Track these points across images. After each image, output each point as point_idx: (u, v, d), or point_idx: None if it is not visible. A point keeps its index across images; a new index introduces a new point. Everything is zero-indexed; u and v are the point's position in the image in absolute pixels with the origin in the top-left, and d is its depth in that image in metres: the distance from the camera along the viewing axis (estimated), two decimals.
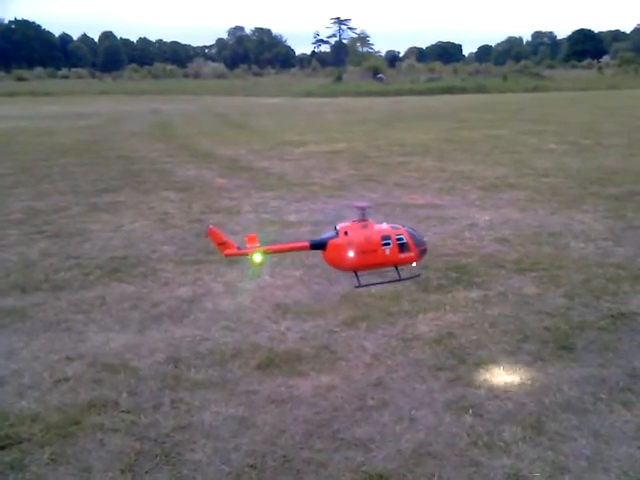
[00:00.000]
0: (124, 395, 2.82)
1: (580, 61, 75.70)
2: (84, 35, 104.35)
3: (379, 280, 3.60)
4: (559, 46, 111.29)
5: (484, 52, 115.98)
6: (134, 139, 14.32)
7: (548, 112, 20.34)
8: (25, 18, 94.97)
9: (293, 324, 3.63)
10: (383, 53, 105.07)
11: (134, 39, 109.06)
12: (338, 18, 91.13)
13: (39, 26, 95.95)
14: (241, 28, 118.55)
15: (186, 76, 78.34)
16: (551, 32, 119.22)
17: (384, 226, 3.54)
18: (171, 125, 18.47)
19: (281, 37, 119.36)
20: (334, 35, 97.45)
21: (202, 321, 3.70)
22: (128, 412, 2.68)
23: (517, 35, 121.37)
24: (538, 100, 28.31)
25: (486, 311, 3.75)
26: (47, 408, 2.71)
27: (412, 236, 3.56)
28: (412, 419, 2.60)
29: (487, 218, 6.23)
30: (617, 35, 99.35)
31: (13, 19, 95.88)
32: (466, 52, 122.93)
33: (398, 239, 3.37)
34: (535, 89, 38.42)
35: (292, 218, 6.41)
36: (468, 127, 15.92)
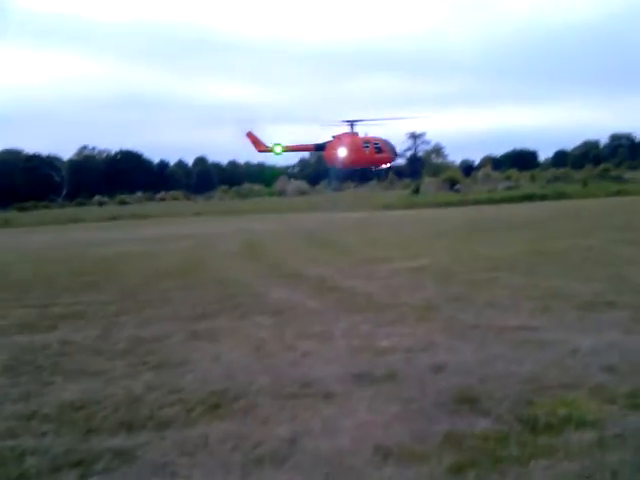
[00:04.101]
0: None
1: None
2: (180, 161, 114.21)
3: None
4: (638, 148, 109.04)
5: (560, 157, 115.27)
6: (226, 260, 15.12)
7: (636, 218, 19.63)
8: (129, 149, 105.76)
9: (396, 471, 3.53)
10: (458, 162, 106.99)
11: (225, 161, 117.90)
12: (413, 133, 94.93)
13: (141, 155, 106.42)
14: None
15: (271, 194, 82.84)
16: (629, 134, 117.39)
17: (367, 136, 4.70)
18: (260, 244, 19.40)
19: None
20: (409, 149, 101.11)
21: (303, 466, 3.68)
22: None
23: (594, 139, 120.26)
24: (623, 205, 27.51)
25: (605, 457, 3.50)
26: None
27: (386, 143, 4.63)
28: None
29: (589, 342, 5.95)
30: None
31: (119, 150, 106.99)
32: (542, 158, 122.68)
33: (375, 144, 4.63)
34: (618, 193, 37.46)
35: (384, 344, 6.41)
36: (554, 237, 15.61)
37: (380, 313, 7.93)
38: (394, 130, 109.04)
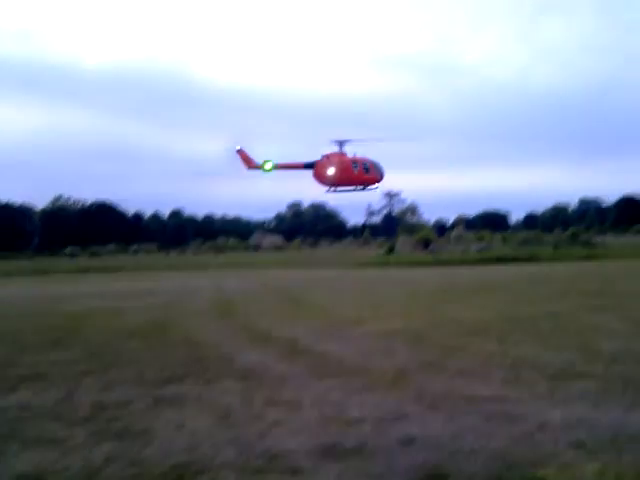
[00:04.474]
0: None
1: (629, 227, 76.05)
2: (155, 213, 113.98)
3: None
4: (606, 212, 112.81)
5: (531, 219, 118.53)
6: (197, 319, 14.87)
7: (605, 284, 20.06)
8: (104, 200, 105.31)
9: None
10: (432, 221, 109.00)
11: (201, 214, 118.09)
12: (388, 192, 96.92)
13: (116, 206, 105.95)
14: (298, 203, 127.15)
15: (247, 248, 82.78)
16: (597, 198, 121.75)
17: (355, 156, 5.14)
18: (232, 302, 19.19)
19: (335, 210, 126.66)
20: (384, 207, 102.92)
21: None
22: None
23: (563, 202, 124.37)
24: (592, 270, 28.14)
25: None
26: None
27: (374, 164, 5.07)
28: None
29: (559, 416, 5.94)
30: None
31: (94, 200, 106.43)
32: (513, 219, 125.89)
33: (363, 164, 5.09)
34: (587, 258, 38.41)
35: (354, 414, 6.30)
36: (525, 301, 15.81)
37: (351, 379, 7.83)
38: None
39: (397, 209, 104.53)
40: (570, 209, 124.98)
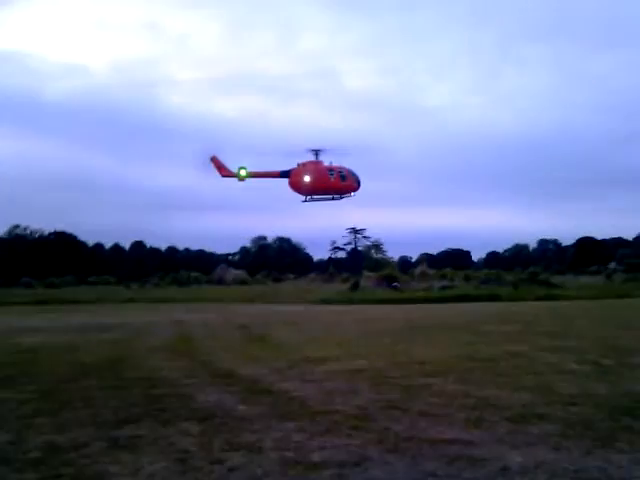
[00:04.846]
0: None
1: (587, 267, 78.34)
2: (116, 244, 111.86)
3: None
4: (565, 252, 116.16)
5: (492, 258, 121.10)
6: (156, 356, 14.51)
7: (563, 324, 20.51)
8: (63, 230, 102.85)
9: None
10: (396, 258, 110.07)
11: (163, 246, 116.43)
12: (354, 228, 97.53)
13: (75, 237, 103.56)
14: (264, 237, 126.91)
15: (210, 282, 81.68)
16: (556, 239, 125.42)
17: (332, 164, 5.41)
18: (193, 338, 18.82)
19: (300, 245, 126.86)
20: (350, 243, 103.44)
21: None
22: None
23: (523, 242, 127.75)
24: (551, 309, 28.76)
25: None
26: None
27: (351, 172, 5.36)
28: None
29: (519, 459, 5.96)
30: (620, 242, 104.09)
31: (52, 230, 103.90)
32: (475, 257, 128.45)
33: (339, 172, 5.38)
34: (546, 297, 39.37)
35: (316, 457, 6.19)
36: (486, 341, 15.98)
37: (314, 421, 7.72)
38: (337, 225, 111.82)
39: (362, 245, 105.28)
40: (530, 248, 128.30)
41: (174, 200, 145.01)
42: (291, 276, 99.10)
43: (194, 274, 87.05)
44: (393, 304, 37.85)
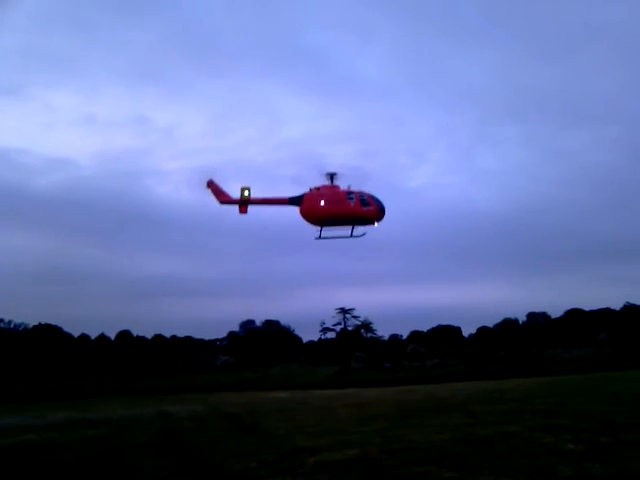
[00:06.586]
0: None
1: (577, 339, 78.11)
2: (102, 335, 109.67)
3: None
4: (554, 324, 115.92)
5: (483, 333, 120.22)
6: (141, 453, 13.98)
7: (557, 401, 20.18)
8: (47, 322, 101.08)
9: None
10: (387, 337, 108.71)
11: (149, 335, 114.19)
12: (342, 308, 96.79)
13: (60, 329, 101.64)
14: (252, 321, 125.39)
15: (198, 369, 79.95)
16: (544, 312, 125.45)
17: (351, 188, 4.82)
18: (179, 432, 18.21)
19: (289, 327, 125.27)
20: (339, 323, 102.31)
21: None
22: None
23: (513, 316, 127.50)
24: (544, 385, 28.40)
25: None
26: None
27: (373, 197, 5.06)
28: None
29: None
30: (608, 313, 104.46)
31: (37, 323, 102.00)
32: (466, 333, 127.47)
33: (360, 196, 4.98)
34: (539, 372, 39.03)
35: None
36: (480, 423, 15.65)
37: None
38: (326, 306, 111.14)
39: (351, 325, 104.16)
40: (520, 322, 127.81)
41: (160, 287, 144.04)
42: (281, 359, 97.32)
43: (182, 362, 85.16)
44: (385, 386, 37.14)
